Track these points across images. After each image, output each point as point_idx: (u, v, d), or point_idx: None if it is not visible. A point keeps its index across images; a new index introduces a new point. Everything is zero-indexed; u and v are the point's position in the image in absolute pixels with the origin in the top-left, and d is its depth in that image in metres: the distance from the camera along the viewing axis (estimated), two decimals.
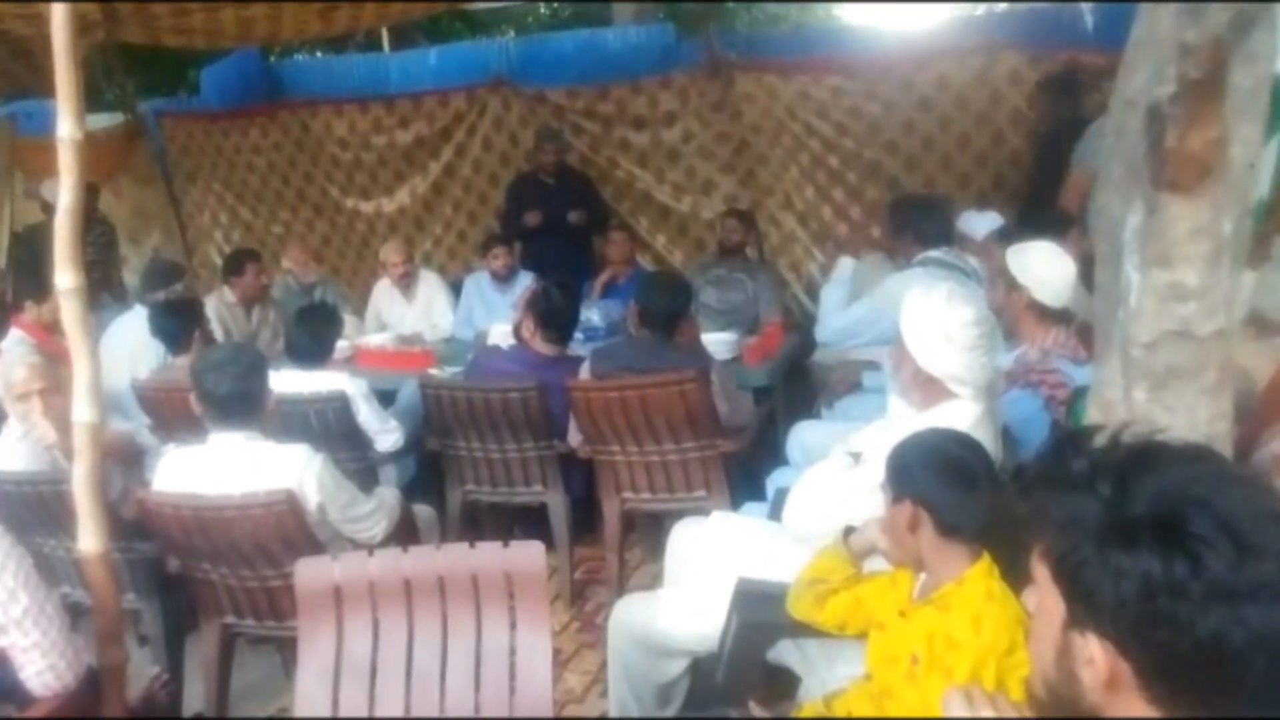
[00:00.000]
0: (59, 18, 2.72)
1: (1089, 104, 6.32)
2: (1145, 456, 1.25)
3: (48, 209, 7.84)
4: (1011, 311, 3.93)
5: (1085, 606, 1.24)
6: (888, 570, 2.67)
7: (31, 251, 7.97)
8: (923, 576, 2.54)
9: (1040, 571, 1.32)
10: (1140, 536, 1.19)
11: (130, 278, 8.59)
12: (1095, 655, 1.23)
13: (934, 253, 4.66)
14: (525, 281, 6.59)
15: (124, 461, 4.49)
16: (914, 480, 2.45)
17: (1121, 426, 1.31)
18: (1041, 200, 6.25)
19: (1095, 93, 6.33)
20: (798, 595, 2.79)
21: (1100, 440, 1.29)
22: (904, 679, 2.41)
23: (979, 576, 2.39)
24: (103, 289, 7.65)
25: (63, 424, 3.72)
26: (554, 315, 4.88)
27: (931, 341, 2.97)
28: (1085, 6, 6.04)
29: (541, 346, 4.88)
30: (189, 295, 6.15)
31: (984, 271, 4.97)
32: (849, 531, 2.72)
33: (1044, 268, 3.88)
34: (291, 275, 7.35)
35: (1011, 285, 3.92)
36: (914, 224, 5.17)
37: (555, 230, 7.39)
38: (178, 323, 5.28)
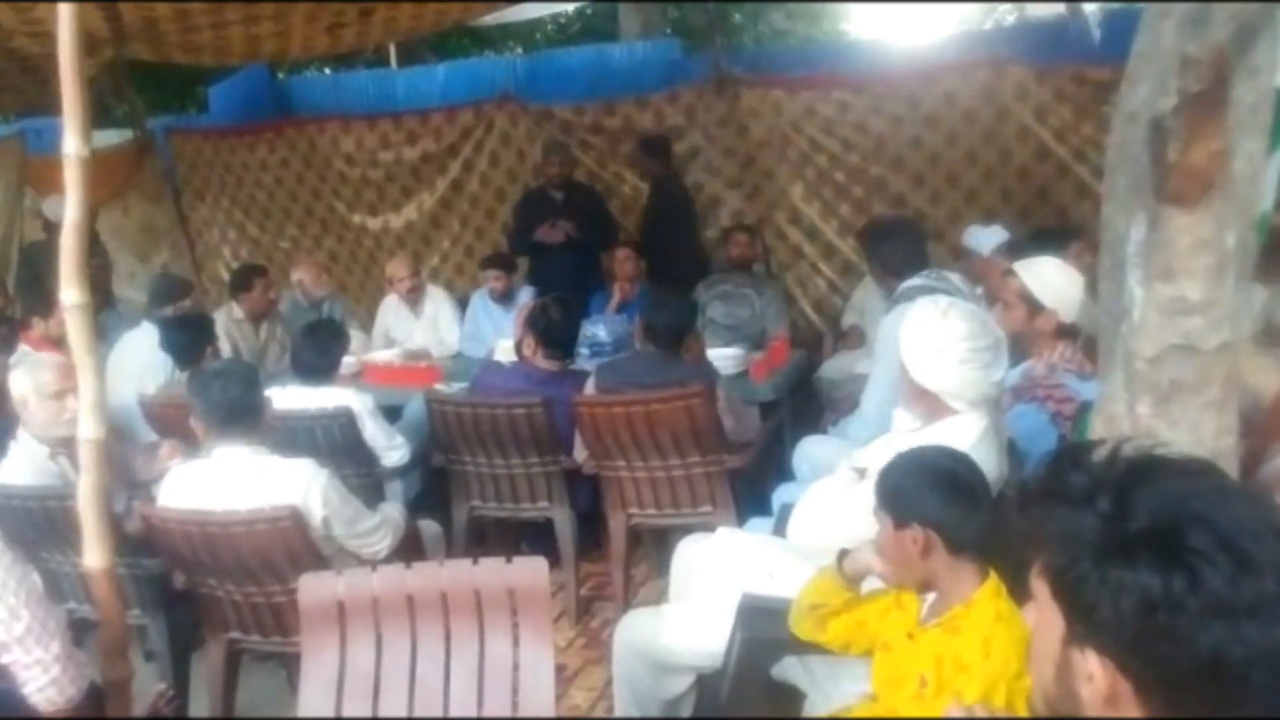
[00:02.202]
0: (65, 34, 2.73)
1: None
2: (1144, 471, 1.25)
3: (49, 227, 7.89)
4: (1035, 333, 3.91)
5: (1084, 622, 1.23)
6: (889, 590, 2.64)
7: (34, 268, 8.01)
8: (929, 598, 2.52)
9: (1039, 587, 1.31)
10: (1139, 551, 1.18)
11: (139, 294, 8.62)
12: (1095, 671, 1.23)
13: (914, 281, 4.49)
14: (527, 297, 6.59)
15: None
16: (921, 503, 2.41)
17: (1121, 441, 1.30)
18: (667, 245, 7.38)
19: (1104, 106, 6.35)
20: (799, 618, 2.78)
21: (1099, 454, 1.28)
22: (912, 701, 2.39)
23: (987, 598, 2.37)
24: (100, 309, 7.63)
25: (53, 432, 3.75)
26: (553, 331, 4.87)
27: (924, 355, 2.97)
28: (1092, 21, 6.08)
29: (543, 363, 4.87)
30: (200, 311, 6.17)
31: (982, 287, 4.93)
32: (843, 555, 2.70)
33: (1064, 287, 3.87)
34: (300, 290, 7.36)
35: (1037, 308, 3.88)
36: (883, 253, 4.90)
37: (563, 246, 7.40)
38: (189, 338, 5.29)
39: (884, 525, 2.49)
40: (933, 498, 2.40)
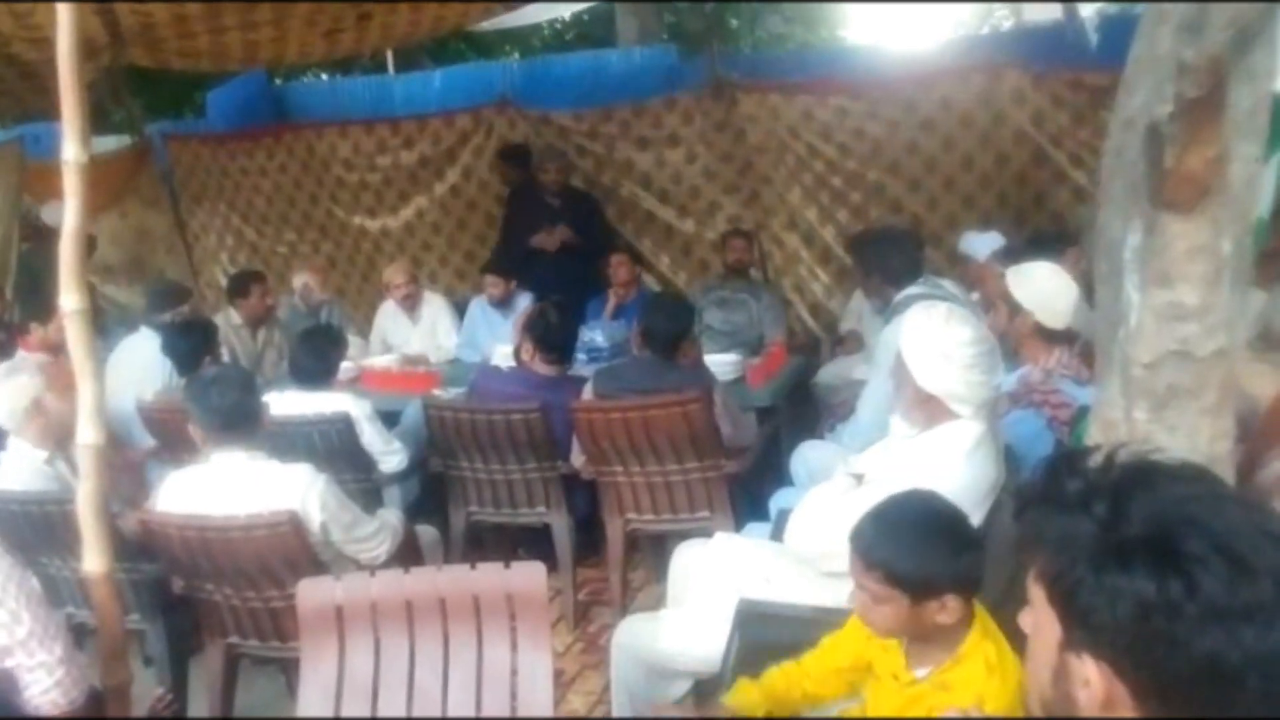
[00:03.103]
0: (64, 40, 2.73)
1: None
2: (1140, 476, 1.25)
3: (46, 232, 7.90)
4: (1016, 335, 3.93)
5: (1081, 627, 1.23)
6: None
7: (33, 274, 8.01)
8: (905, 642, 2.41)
9: (1036, 592, 1.31)
10: (1135, 557, 1.18)
11: (137, 300, 8.61)
12: (1091, 676, 1.23)
13: (911, 289, 4.48)
14: (526, 303, 6.59)
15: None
16: (947, 571, 2.23)
17: (1117, 446, 1.30)
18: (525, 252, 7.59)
19: (1101, 111, 6.37)
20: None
21: (1095, 460, 1.29)
22: None
23: (976, 647, 2.27)
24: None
25: (65, 430, 3.75)
26: (551, 336, 4.88)
27: (930, 360, 2.97)
28: (1089, 26, 6.09)
29: (541, 368, 4.88)
30: (203, 317, 6.18)
31: (980, 293, 4.94)
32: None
33: (1046, 290, 3.88)
34: (301, 294, 7.36)
35: (1015, 309, 3.90)
36: (879, 262, 4.87)
37: (560, 250, 7.41)
38: (191, 344, 5.29)
39: (889, 601, 2.28)
40: (955, 561, 2.24)
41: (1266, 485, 2.58)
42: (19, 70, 7.09)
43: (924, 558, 2.23)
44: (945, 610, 2.22)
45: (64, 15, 2.74)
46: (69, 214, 2.78)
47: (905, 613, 2.26)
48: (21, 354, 5.75)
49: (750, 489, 4.57)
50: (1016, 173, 7.23)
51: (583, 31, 16.26)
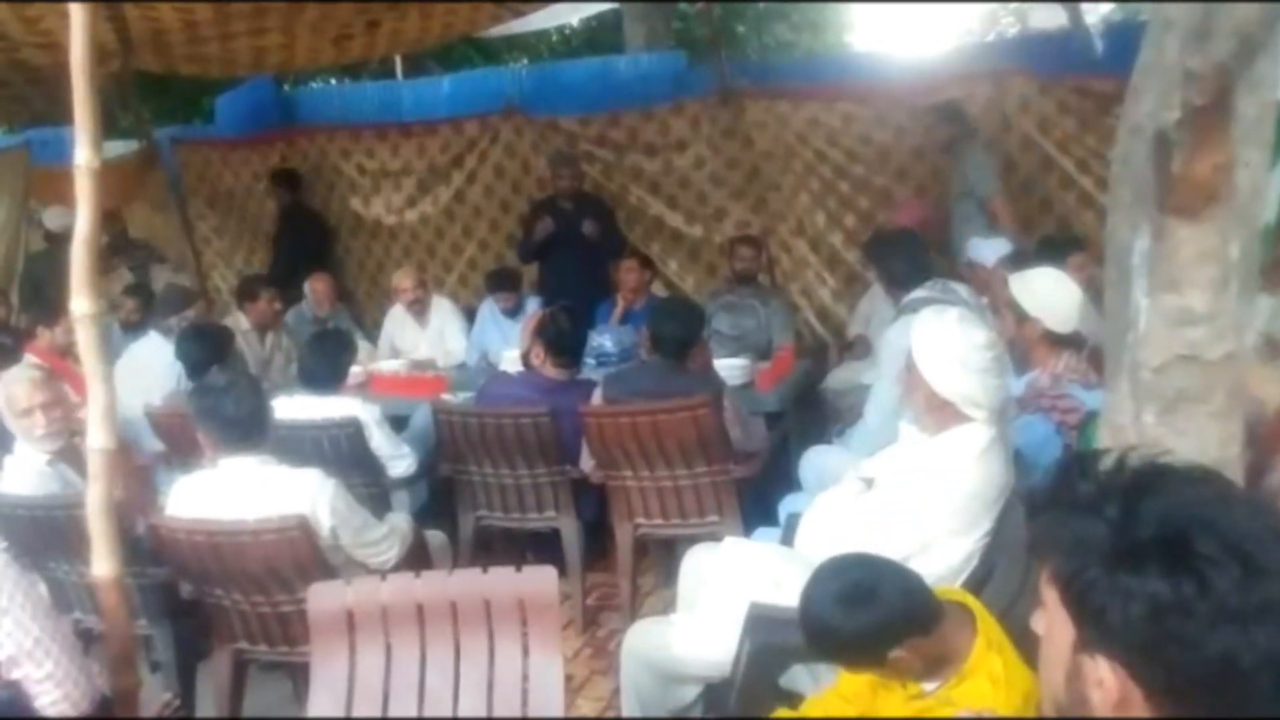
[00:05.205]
0: (78, 46, 2.74)
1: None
2: (1151, 478, 1.25)
3: (51, 237, 7.94)
4: (1024, 342, 3.93)
5: (1094, 628, 1.24)
6: None
7: (36, 279, 8.04)
8: None
9: (1049, 594, 1.32)
10: (1147, 558, 1.19)
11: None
12: (1105, 677, 1.23)
13: (918, 293, 4.48)
14: (534, 307, 6.60)
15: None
16: (891, 625, 2.26)
17: (1128, 449, 1.31)
18: (294, 271, 7.96)
19: (1106, 117, 6.37)
20: None
21: (1106, 463, 1.29)
22: None
23: (980, 661, 2.28)
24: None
25: (71, 433, 3.76)
26: (562, 340, 4.88)
27: (945, 365, 2.97)
28: (1094, 32, 6.09)
29: (551, 371, 4.88)
30: (216, 322, 6.19)
31: (988, 298, 4.94)
32: None
33: (1050, 296, 3.89)
34: (306, 304, 7.39)
35: (1022, 317, 3.91)
36: (887, 264, 4.97)
37: (571, 254, 7.41)
38: (206, 348, 5.29)
39: (867, 671, 2.40)
40: (881, 619, 2.27)
41: (1275, 489, 2.58)
42: (27, 75, 7.12)
43: (856, 636, 2.29)
44: (910, 656, 2.27)
45: (77, 19, 2.75)
46: (81, 219, 2.78)
47: (885, 672, 2.33)
48: (28, 358, 5.77)
49: (759, 493, 4.56)
50: (1023, 179, 7.23)
51: (590, 38, 16.28)
